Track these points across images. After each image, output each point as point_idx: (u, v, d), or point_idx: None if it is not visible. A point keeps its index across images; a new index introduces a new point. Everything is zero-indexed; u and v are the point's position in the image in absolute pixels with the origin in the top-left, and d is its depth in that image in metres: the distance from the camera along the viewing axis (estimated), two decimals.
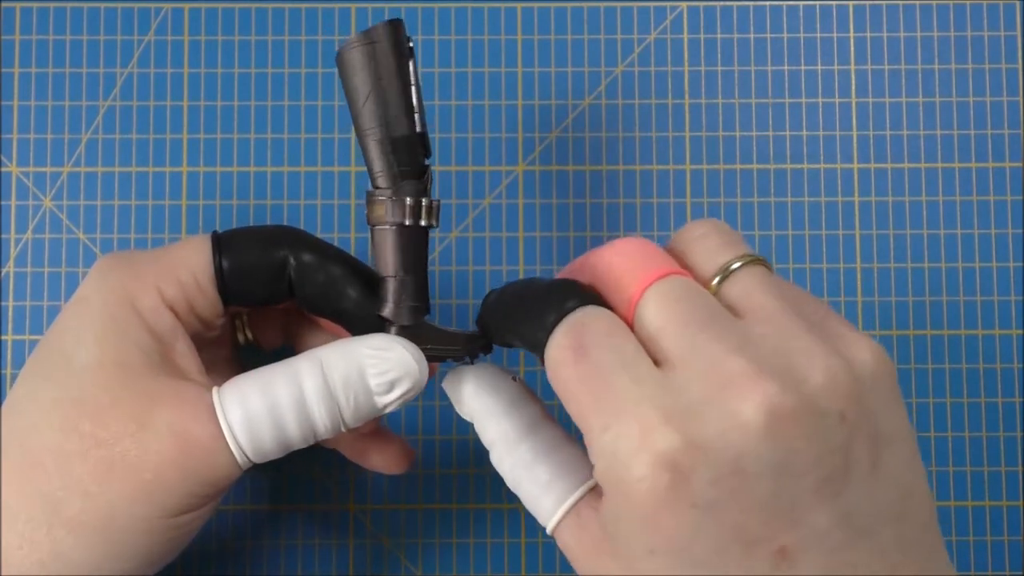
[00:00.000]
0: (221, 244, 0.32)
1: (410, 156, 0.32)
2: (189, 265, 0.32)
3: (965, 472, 0.41)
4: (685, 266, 0.29)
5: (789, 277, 0.41)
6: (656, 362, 0.27)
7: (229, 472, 0.30)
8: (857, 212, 0.42)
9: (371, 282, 0.32)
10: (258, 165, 0.41)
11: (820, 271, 0.41)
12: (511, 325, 0.30)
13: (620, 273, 0.28)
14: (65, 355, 0.30)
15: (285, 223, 0.41)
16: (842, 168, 0.42)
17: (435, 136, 0.41)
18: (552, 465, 0.30)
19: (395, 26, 0.31)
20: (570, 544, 0.29)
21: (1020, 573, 0.40)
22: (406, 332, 0.32)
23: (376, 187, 0.32)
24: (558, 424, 0.32)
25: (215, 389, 0.31)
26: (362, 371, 0.30)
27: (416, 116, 0.32)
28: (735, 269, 0.28)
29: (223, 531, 0.40)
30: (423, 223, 0.32)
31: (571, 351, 0.27)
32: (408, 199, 0.31)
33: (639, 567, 0.26)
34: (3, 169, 0.41)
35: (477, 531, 0.40)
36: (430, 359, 0.32)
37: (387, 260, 0.32)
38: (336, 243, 0.41)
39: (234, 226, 0.41)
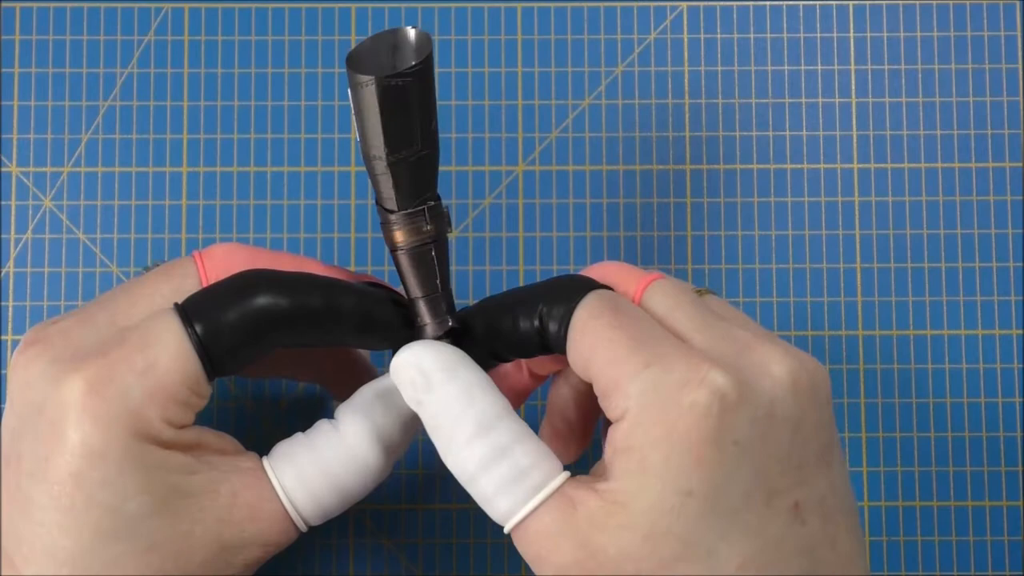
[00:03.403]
0: (189, 314, 0.29)
1: (435, 173, 0.31)
2: (185, 381, 0.29)
3: (965, 472, 0.41)
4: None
5: (789, 277, 0.41)
6: None
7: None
8: (857, 212, 0.42)
9: (368, 297, 0.31)
10: (258, 165, 0.41)
11: (820, 271, 0.41)
12: (524, 308, 0.31)
13: (618, 279, 0.31)
14: (109, 508, 0.28)
15: (285, 223, 0.41)
16: (842, 168, 0.42)
17: None
18: (530, 448, 0.29)
19: (430, 58, 0.30)
20: (551, 530, 0.27)
21: (1020, 573, 0.40)
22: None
23: (404, 209, 0.31)
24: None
25: (279, 489, 0.30)
26: (415, 420, 0.31)
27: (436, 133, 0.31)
28: (699, 292, 0.31)
29: None
30: (450, 232, 0.32)
31: (606, 308, 0.29)
32: (445, 211, 0.31)
33: (664, 524, 0.26)
34: (3, 169, 0.41)
35: (477, 531, 0.40)
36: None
37: (430, 276, 0.31)
38: (336, 243, 0.41)
39: (234, 226, 0.41)
